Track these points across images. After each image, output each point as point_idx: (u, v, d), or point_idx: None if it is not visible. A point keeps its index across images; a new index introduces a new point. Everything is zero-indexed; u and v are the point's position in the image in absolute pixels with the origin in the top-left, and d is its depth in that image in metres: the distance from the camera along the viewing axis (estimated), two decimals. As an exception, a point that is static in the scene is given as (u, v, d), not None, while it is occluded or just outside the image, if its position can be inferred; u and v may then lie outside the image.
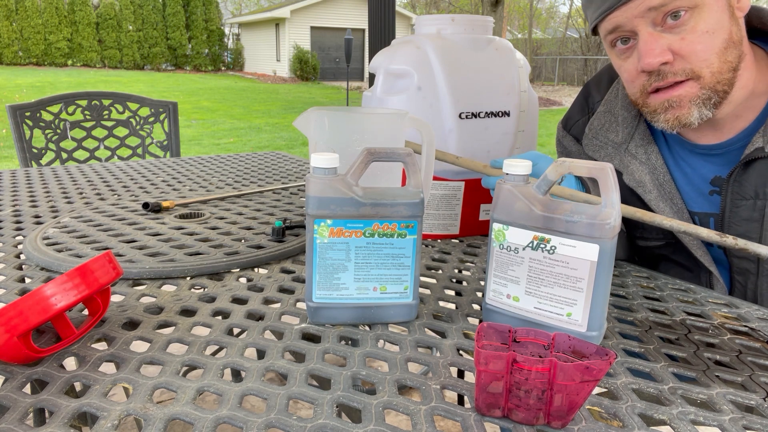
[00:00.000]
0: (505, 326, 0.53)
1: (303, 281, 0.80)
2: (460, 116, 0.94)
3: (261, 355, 0.60)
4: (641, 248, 0.99)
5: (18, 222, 1.05)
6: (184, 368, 0.57)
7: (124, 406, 0.50)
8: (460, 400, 0.64)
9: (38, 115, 1.88)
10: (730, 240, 0.71)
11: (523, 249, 0.63)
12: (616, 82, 0.97)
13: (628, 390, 0.55)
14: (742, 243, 0.71)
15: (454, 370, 0.59)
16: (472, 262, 0.90)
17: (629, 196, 0.94)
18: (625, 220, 0.97)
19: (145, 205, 1.09)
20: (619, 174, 0.93)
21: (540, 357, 0.52)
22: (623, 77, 0.87)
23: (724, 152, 0.87)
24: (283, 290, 0.77)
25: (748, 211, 0.83)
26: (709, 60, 0.77)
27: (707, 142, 0.88)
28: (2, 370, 0.56)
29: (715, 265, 0.89)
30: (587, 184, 0.83)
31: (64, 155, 1.95)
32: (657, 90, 0.81)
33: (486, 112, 0.96)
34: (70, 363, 0.58)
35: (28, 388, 0.53)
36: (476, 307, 0.73)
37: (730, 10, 0.77)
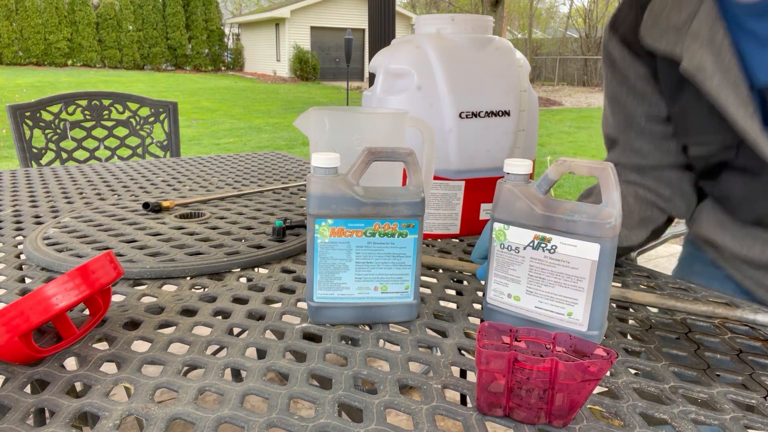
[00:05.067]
0: (506, 325, 0.53)
1: (304, 281, 0.80)
2: (460, 116, 0.94)
3: (262, 354, 0.60)
4: (696, 159, 0.87)
5: (18, 222, 1.05)
6: (185, 368, 0.57)
7: (126, 406, 0.50)
8: (462, 400, 0.64)
9: (38, 115, 1.88)
10: None
11: (524, 248, 0.63)
12: None
13: (629, 389, 0.55)
14: None
15: (455, 370, 0.59)
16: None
17: (685, 85, 0.81)
18: (678, 124, 0.85)
19: (146, 205, 1.09)
20: (679, 62, 0.80)
21: (541, 356, 0.52)
22: None
23: None
24: (283, 290, 0.77)
25: None
26: None
27: None
28: (3, 370, 0.56)
29: None
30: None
31: (64, 155, 1.95)
32: None
33: (486, 112, 0.96)
34: (71, 363, 0.58)
35: (29, 388, 0.53)
36: (477, 306, 0.73)
37: None
